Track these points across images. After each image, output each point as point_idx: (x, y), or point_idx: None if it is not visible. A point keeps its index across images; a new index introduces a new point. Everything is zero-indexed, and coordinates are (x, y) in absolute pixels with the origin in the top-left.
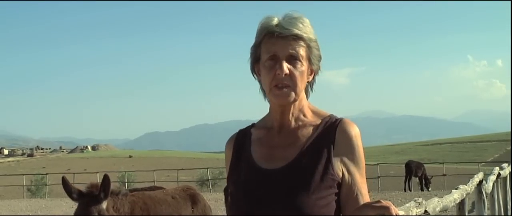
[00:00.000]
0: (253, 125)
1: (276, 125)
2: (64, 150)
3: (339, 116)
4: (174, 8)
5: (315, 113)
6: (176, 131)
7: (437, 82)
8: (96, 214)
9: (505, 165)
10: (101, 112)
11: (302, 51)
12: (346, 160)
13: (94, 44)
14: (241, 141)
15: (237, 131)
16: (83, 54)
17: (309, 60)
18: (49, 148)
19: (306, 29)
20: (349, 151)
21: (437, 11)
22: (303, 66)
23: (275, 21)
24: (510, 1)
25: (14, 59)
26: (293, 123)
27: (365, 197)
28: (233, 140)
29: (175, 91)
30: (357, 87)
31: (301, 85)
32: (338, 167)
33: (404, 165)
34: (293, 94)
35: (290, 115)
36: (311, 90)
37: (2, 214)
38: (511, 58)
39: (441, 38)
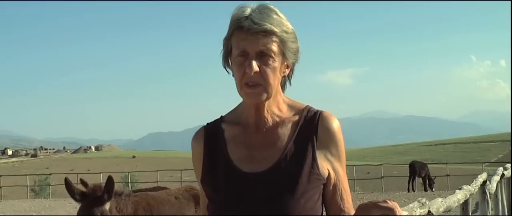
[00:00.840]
0: (221, 118)
1: (252, 122)
2: (68, 151)
3: (342, 116)
4: (178, 8)
5: (291, 106)
6: (179, 131)
7: (440, 82)
8: (99, 215)
9: (508, 165)
10: (104, 112)
11: (274, 47)
12: (330, 156)
13: (97, 44)
14: (213, 138)
15: (204, 124)
16: (86, 55)
17: (283, 54)
18: (53, 149)
19: (279, 22)
20: (333, 147)
21: (440, 11)
22: (276, 62)
23: (247, 12)
24: (510, 1)
25: (17, 60)
26: (270, 120)
27: (347, 192)
28: (201, 136)
29: (178, 91)
30: (360, 88)
31: (274, 82)
32: (323, 165)
33: (407, 165)
34: (264, 93)
35: (266, 111)
36: (290, 83)
37: (6, 215)
38: (511, 59)
39: (444, 38)
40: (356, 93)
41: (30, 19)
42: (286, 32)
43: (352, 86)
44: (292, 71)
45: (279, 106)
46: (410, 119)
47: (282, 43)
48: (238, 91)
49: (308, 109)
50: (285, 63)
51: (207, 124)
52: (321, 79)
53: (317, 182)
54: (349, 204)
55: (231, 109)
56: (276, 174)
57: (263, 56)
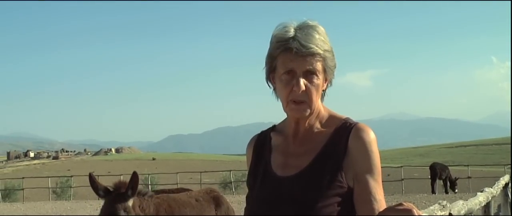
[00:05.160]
0: (274, 127)
1: (291, 133)
2: (89, 153)
3: (362, 118)
4: (197, 10)
5: (330, 118)
6: (199, 133)
7: (461, 84)
8: (122, 211)
9: None
10: (124, 115)
11: (319, 66)
12: (359, 167)
13: (119, 47)
14: (261, 144)
15: (258, 132)
16: (107, 57)
17: (325, 71)
18: (74, 151)
19: (321, 41)
20: (362, 158)
21: (460, 13)
22: (319, 80)
23: (291, 33)
24: (510, 1)
25: (39, 62)
26: (307, 131)
27: (379, 202)
28: (253, 143)
29: (198, 93)
30: (381, 89)
31: (316, 98)
32: (350, 175)
33: (428, 167)
34: (308, 109)
35: (305, 124)
36: (325, 94)
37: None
38: (511, 59)
39: (464, 40)
40: (376, 95)
41: (50, 21)
42: (327, 51)
43: (372, 88)
44: (329, 83)
45: (318, 118)
46: (430, 121)
47: (324, 61)
48: (284, 107)
49: (345, 121)
50: (326, 79)
51: (261, 132)
52: (341, 80)
53: (339, 189)
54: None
55: (282, 119)
56: (300, 179)
57: (309, 74)
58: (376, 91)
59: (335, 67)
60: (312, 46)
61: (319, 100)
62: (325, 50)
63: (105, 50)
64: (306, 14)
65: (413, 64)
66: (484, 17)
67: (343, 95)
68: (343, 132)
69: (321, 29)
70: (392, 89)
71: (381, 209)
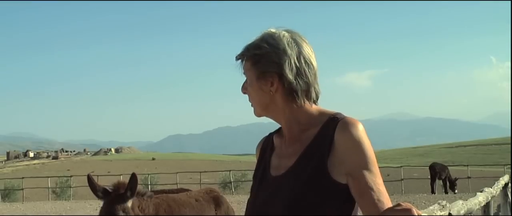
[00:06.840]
0: (279, 129)
1: (286, 134)
2: (88, 153)
3: (362, 118)
4: (197, 9)
5: (320, 114)
6: (198, 133)
7: (461, 84)
8: (121, 212)
9: None
10: (124, 115)
11: (249, 71)
12: (350, 162)
13: (118, 46)
14: (265, 147)
15: (267, 134)
16: (106, 57)
17: (258, 75)
18: (74, 151)
19: (254, 45)
20: (352, 152)
21: (459, 13)
22: (254, 83)
23: None
24: (510, 1)
25: (39, 62)
26: (294, 132)
27: (378, 191)
28: (260, 145)
29: (198, 93)
30: (380, 90)
31: (259, 101)
32: (339, 170)
33: (427, 167)
34: (254, 110)
35: (285, 125)
36: (297, 95)
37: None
38: (511, 59)
39: (463, 40)
40: (375, 95)
41: (50, 21)
42: (260, 54)
43: (371, 88)
44: (298, 82)
45: (305, 118)
46: (430, 121)
47: (257, 63)
48: None
49: (333, 116)
50: (269, 81)
51: (270, 133)
52: (340, 81)
53: (324, 186)
54: (381, 203)
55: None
56: (285, 178)
57: (247, 79)
58: (375, 91)
59: (287, 67)
60: (241, 52)
61: (301, 100)
62: (255, 54)
63: (105, 50)
64: (306, 15)
65: (412, 64)
66: (483, 17)
67: (342, 95)
68: (329, 128)
69: (265, 33)
70: (392, 89)
71: (381, 198)
